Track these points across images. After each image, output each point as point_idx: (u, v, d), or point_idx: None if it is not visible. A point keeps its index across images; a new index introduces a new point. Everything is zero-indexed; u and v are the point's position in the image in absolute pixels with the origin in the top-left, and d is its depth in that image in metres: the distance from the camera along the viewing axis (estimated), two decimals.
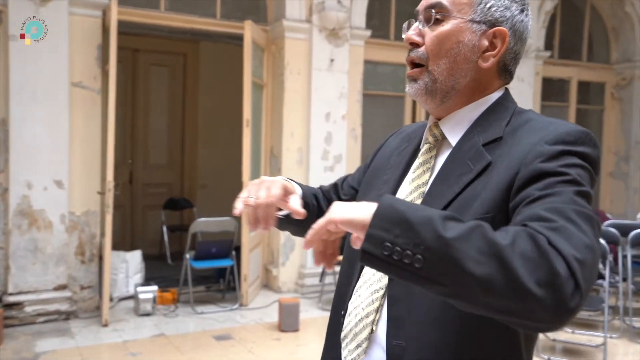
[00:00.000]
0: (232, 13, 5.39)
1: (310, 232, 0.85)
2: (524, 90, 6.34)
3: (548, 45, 6.83)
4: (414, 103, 6.19)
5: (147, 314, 4.65)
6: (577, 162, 0.87)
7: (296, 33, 5.31)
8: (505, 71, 1.05)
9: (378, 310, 0.99)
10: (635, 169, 7.35)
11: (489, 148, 0.97)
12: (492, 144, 0.97)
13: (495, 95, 1.05)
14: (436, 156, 1.06)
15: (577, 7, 7.35)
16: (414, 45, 1.04)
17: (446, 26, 1.01)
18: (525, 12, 1.04)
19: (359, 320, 1.01)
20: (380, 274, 1.00)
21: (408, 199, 1.03)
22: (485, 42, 1.01)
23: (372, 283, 1.02)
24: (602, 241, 3.91)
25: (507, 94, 1.06)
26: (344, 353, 1.04)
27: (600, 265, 3.99)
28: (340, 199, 1.27)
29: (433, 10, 1.02)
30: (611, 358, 3.86)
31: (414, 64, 1.05)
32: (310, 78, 5.32)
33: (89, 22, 4.54)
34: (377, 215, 0.77)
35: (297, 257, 5.44)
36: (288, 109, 5.32)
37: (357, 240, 0.79)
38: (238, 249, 5.01)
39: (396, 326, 0.96)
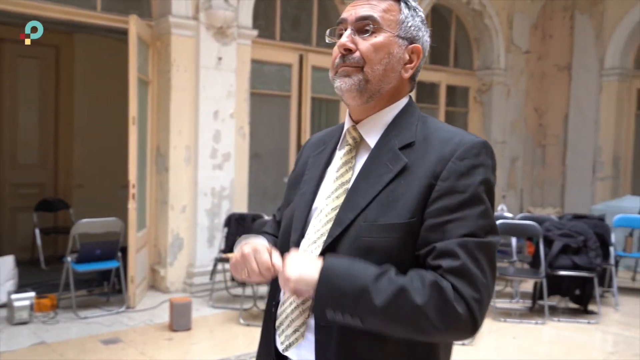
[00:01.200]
0: (113, 6, 5.20)
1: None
2: None
3: None
4: (300, 103, 6.38)
5: (24, 323, 4.36)
6: (481, 174, 1.07)
7: (183, 30, 5.25)
8: (413, 81, 1.22)
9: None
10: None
11: (405, 151, 1.13)
12: (407, 148, 1.13)
13: (404, 101, 1.22)
14: (356, 156, 1.19)
15: (445, 17, 7.99)
16: (347, 51, 1.16)
17: (379, 38, 1.15)
18: (428, 34, 1.24)
19: (295, 307, 1.13)
20: None
21: (334, 195, 1.16)
22: (407, 56, 1.18)
23: None
24: None
25: (412, 100, 1.24)
26: (280, 339, 1.15)
27: None
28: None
29: (370, 23, 1.15)
30: (479, 335, 4.29)
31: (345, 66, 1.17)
32: (198, 76, 5.29)
33: None
34: (318, 293, 1.01)
35: (185, 257, 5.39)
36: (175, 107, 5.25)
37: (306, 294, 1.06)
38: (124, 250, 4.86)
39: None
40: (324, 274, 1.00)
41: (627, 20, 7.81)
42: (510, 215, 5.93)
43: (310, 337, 1.11)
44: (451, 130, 1.15)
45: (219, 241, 5.32)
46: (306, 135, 6.41)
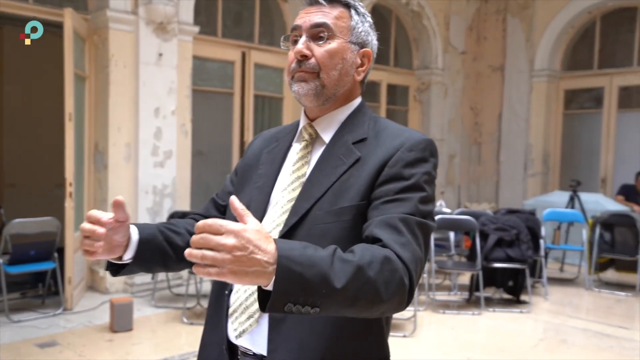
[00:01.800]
0: None
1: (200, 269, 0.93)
2: None
3: None
4: (243, 100, 6.36)
5: None
6: (425, 167, 1.16)
7: (121, 24, 5.12)
8: (363, 83, 1.31)
9: None
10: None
11: (357, 146, 1.20)
12: (359, 143, 1.21)
13: (357, 101, 1.30)
14: (312, 152, 1.26)
15: (385, 17, 8.15)
16: (304, 57, 1.22)
17: (333, 44, 1.22)
18: (376, 38, 1.31)
19: (250, 294, 1.16)
20: None
21: (290, 187, 1.21)
22: (359, 60, 1.26)
23: None
24: None
25: (363, 101, 1.32)
26: (233, 326, 1.18)
27: None
28: (222, 207, 1.40)
29: (324, 30, 1.21)
30: (419, 327, 4.44)
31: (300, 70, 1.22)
32: (138, 72, 5.18)
33: None
34: (278, 280, 0.88)
35: None
36: (114, 103, 5.12)
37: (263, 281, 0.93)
38: (61, 251, 4.71)
39: None
40: (282, 262, 0.89)
41: (554, 25, 8.23)
42: (448, 210, 6.14)
43: (264, 323, 1.14)
44: (401, 127, 1.24)
45: None
46: (249, 133, 6.40)
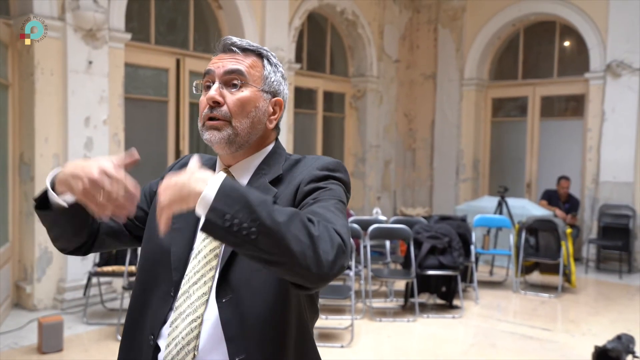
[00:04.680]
0: None
1: (162, 223, 0.99)
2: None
3: (298, 58, 7.53)
4: (177, 108, 6.25)
5: None
6: (336, 183, 1.21)
7: (47, 31, 4.91)
8: (277, 128, 1.33)
9: (197, 336, 1.15)
10: (370, 169, 8.57)
11: (274, 184, 1.23)
12: (275, 181, 1.24)
13: (271, 145, 1.32)
14: None
15: (321, 25, 8.23)
16: (216, 103, 1.22)
17: (246, 92, 1.24)
18: (287, 86, 1.34)
19: (180, 348, 1.15)
20: (195, 305, 1.16)
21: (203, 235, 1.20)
22: (271, 108, 1.29)
23: (188, 314, 1.16)
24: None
25: (278, 143, 1.34)
26: None
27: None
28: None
29: (237, 77, 1.23)
30: (357, 336, 4.52)
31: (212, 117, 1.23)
32: (67, 80, 4.99)
33: None
34: (220, 191, 0.94)
35: (55, 271, 5.07)
36: (41, 113, 4.91)
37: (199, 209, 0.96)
38: None
39: (235, 345, 1.13)
40: (226, 180, 0.96)
41: (482, 36, 8.58)
42: (384, 218, 6.28)
43: None
44: (315, 156, 1.28)
45: (93, 254, 5.07)
46: (185, 141, 6.30)
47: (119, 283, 5.32)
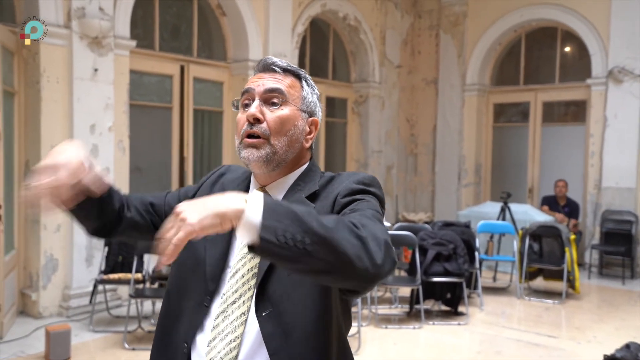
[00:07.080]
0: None
1: (170, 247, 0.92)
2: None
3: (301, 64, 7.54)
4: (182, 115, 6.26)
5: None
6: (371, 197, 1.22)
7: (53, 39, 4.92)
8: (311, 149, 1.35)
9: (236, 357, 1.16)
10: (372, 174, 8.56)
11: (310, 199, 1.25)
12: (311, 196, 1.25)
13: (306, 164, 1.33)
14: None
15: (323, 31, 8.25)
16: (256, 120, 1.24)
17: (285, 110, 1.25)
18: (321, 108, 1.37)
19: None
20: (234, 325, 1.17)
21: (249, 256, 1.21)
22: (308, 128, 1.30)
23: (226, 334, 1.17)
24: None
25: (314, 162, 1.35)
26: None
27: None
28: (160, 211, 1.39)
29: (278, 96, 1.25)
30: (363, 344, 4.53)
31: (251, 134, 1.24)
32: (72, 88, 5.00)
33: None
34: (266, 208, 0.93)
35: (60, 278, 5.07)
36: (47, 120, 4.91)
37: (241, 230, 0.94)
38: None
39: (279, 358, 1.14)
40: (267, 197, 0.96)
41: (483, 42, 8.61)
42: (388, 224, 6.28)
43: None
44: (348, 172, 1.30)
45: (99, 261, 5.07)
46: (189, 148, 6.30)
47: (123, 290, 5.32)
